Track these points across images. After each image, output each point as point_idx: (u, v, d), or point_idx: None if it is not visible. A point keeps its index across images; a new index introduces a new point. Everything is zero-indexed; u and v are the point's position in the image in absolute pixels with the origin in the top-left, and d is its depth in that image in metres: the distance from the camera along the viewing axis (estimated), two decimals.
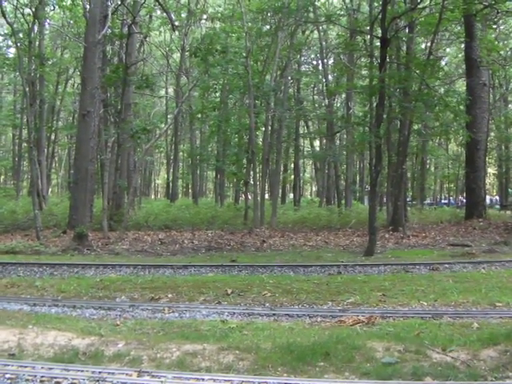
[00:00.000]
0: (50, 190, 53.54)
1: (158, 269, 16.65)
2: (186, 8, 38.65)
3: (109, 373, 6.62)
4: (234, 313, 10.93)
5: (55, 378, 6.50)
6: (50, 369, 6.80)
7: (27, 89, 30.19)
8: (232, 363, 7.04)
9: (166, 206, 39.74)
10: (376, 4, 30.87)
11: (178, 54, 46.99)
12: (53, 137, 51.26)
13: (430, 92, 26.65)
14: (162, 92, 57.59)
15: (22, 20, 35.24)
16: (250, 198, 35.75)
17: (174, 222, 31.20)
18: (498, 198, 64.04)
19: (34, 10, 31.80)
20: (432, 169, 65.05)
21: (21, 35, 32.80)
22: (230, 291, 12.93)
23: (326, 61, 44.77)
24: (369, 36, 29.93)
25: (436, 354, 7.16)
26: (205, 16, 42.41)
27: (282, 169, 49.83)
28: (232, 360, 7.14)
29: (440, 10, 24.74)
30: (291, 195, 62.57)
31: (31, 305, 11.62)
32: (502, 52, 40.02)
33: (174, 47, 49.27)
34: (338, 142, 48.46)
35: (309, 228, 30.42)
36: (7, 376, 6.54)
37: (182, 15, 41.12)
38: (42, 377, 6.50)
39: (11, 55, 38.05)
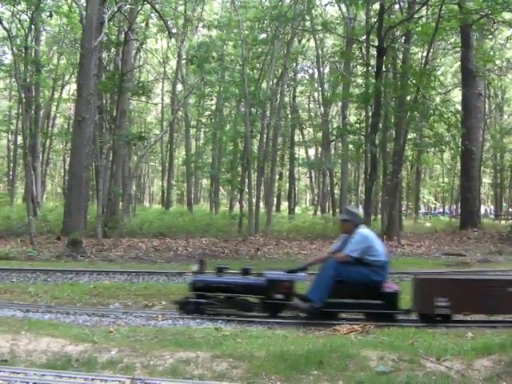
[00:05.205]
0: (44, 196, 53.26)
1: (152, 276, 16.57)
2: (183, 15, 38.67)
3: (101, 380, 6.56)
4: (228, 320, 10.88)
5: None
6: (43, 375, 6.73)
7: (23, 95, 30.21)
8: (225, 371, 6.99)
9: (160, 213, 39.64)
10: (373, 13, 30.94)
11: (175, 61, 46.90)
12: (48, 143, 51.01)
13: (425, 102, 26.73)
14: (158, 99, 57.51)
15: (19, 26, 35.20)
16: (244, 205, 35.69)
17: (169, 229, 31.11)
18: (492, 207, 64.27)
19: (31, 15, 31.73)
20: (427, 178, 65.18)
21: (18, 41, 32.79)
22: None
23: (322, 69, 44.85)
24: (365, 45, 29.99)
25: (430, 363, 7.11)
26: (201, 24, 42.48)
27: (276, 177, 49.84)
28: (225, 368, 7.08)
29: (437, 20, 24.82)
30: (286, 203, 62.49)
31: (24, 311, 11.53)
32: (497, 62, 40.18)
33: (171, 54, 49.21)
34: (333, 150, 48.47)
35: (303, 236, 30.29)
36: None
37: (179, 22, 41.14)
38: (35, 383, 6.45)
39: (7, 61, 37.97)
